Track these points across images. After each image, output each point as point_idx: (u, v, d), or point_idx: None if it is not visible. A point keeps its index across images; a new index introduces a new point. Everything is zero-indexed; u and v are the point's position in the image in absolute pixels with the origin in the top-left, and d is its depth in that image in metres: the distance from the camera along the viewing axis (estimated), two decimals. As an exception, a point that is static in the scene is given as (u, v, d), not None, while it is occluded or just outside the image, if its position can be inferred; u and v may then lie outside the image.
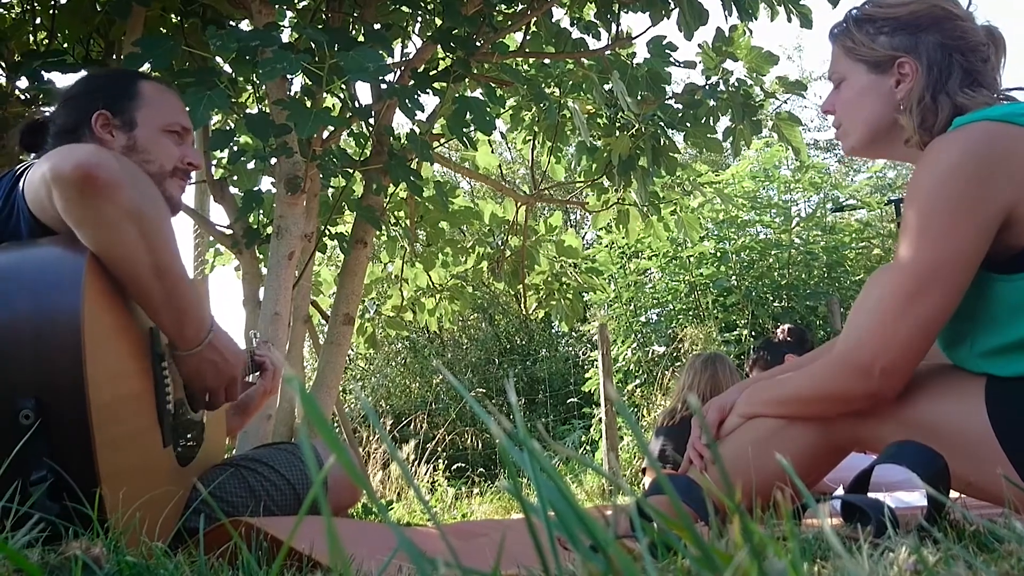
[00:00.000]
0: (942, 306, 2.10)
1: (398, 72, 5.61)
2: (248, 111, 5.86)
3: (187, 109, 2.95)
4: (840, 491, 3.16)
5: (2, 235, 2.17)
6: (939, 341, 2.31)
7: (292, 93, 5.18)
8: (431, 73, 5.37)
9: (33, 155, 2.52)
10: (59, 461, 1.87)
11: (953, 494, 2.23)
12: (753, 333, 12.33)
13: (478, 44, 5.29)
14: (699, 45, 6.17)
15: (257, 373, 3.24)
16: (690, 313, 13.24)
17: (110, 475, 1.92)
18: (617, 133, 6.31)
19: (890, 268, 2.21)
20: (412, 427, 12.41)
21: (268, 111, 4.80)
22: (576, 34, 6.21)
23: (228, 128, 6.08)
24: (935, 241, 2.08)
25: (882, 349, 2.14)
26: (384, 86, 4.85)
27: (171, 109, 2.82)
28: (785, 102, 6.74)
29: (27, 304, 1.94)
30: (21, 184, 2.19)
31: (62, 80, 4.91)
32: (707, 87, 6.21)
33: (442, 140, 6.58)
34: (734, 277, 13.13)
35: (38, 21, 5.26)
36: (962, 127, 2.15)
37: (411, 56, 5.81)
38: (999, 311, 2.12)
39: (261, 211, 5.79)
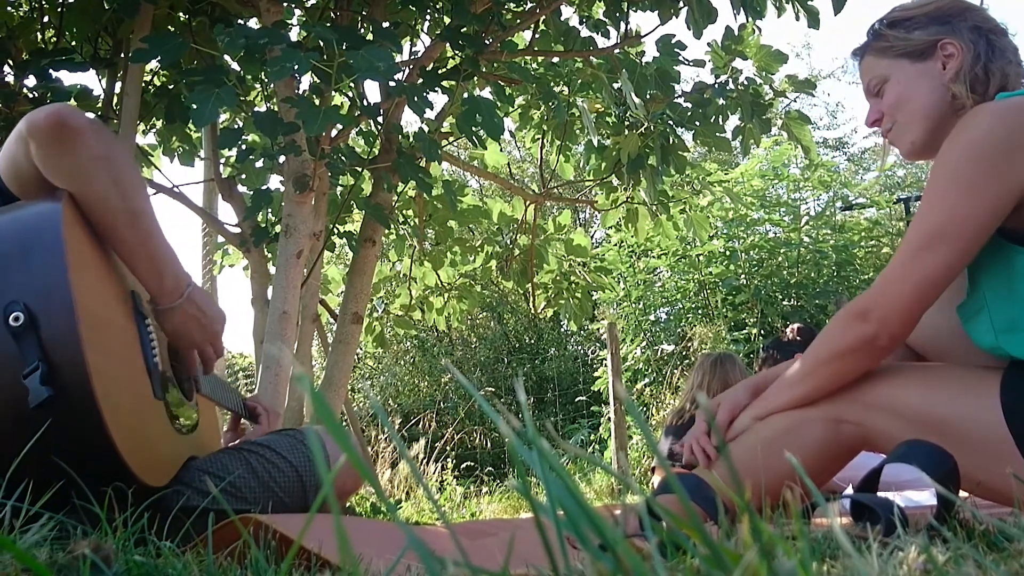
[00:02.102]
0: (946, 265, 2.11)
1: (407, 70, 5.61)
2: (256, 109, 5.87)
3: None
4: (849, 490, 3.17)
5: None
6: (959, 313, 2.32)
7: (300, 91, 5.18)
8: (440, 71, 5.37)
9: None
10: (50, 357, 1.93)
11: (963, 493, 2.22)
12: (762, 332, 12.31)
13: (487, 42, 5.29)
14: (708, 44, 6.17)
15: (252, 423, 3.27)
16: (699, 312, 13.23)
17: (99, 375, 1.97)
18: (626, 132, 6.31)
19: (908, 228, 2.23)
20: (421, 426, 12.42)
21: (276, 109, 4.80)
22: (585, 32, 6.21)
23: (236, 126, 6.09)
24: (949, 202, 2.11)
25: (882, 295, 2.18)
26: (393, 84, 4.85)
27: None
28: (794, 101, 6.74)
29: (11, 228, 2.05)
30: None
31: (70, 79, 4.93)
32: (716, 86, 6.21)
33: (451, 138, 6.58)
34: (743, 276, 13.11)
35: (46, 19, 5.27)
36: (1002, 100, 2.17)
37: (420, 54, 5.81)
38: (1019, 283, 2.12)
39: (269, 210, 5.80)
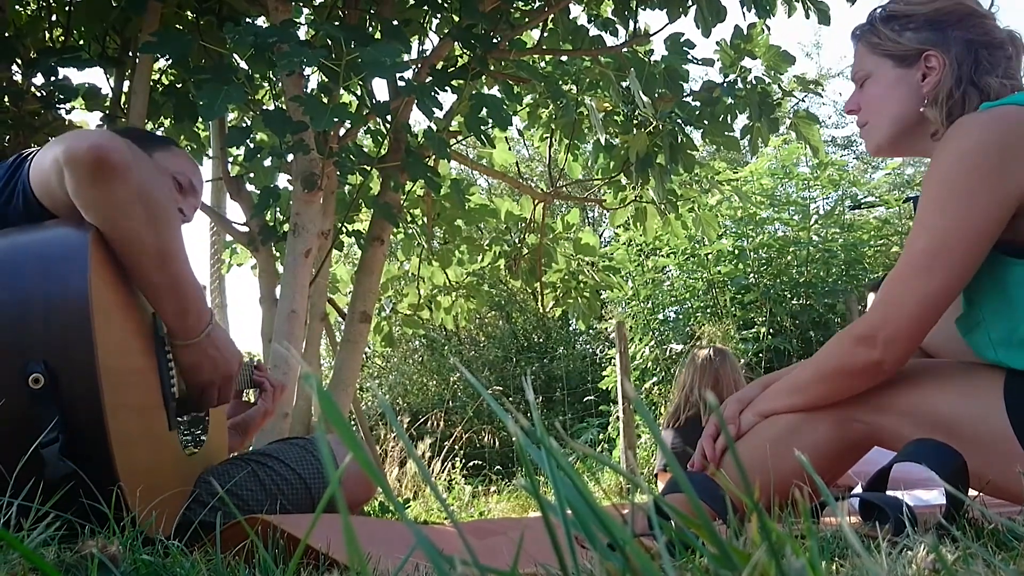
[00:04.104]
0: (949, 282, 2.10)
1: (416, 69, 5.61)
2: (265, 108, 5.87)
3: (202, 181, 2.99)
4: (859, 488, 3.16)
5: (4, 220, 2.18)
6: (958, 326, 2.32)
7: (309, 90, 5.18)
8: (449, 70, 5.37)
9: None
10: (70, 424, 1.89)
11: (972, 492, 2.22)
12: (771, 331, 12.30)
13: (495, 41, 5.28)
14: (717, 43, 6.16)
15: (254, 390, 3.25)
16: (708, 311, 13.20)
17: (120, 442, 1.94)
18: (635, 130, 6.30)
19: (906, 243, 2.22)
20: (429, 425, 12.41)
21: (285, 108, 4.80)
22: (593, 31, 6.20)
23: (244, 125, 6.10)
24: (947, 217, 2.09)
25: (886, 319, 2.16)
26: (402, 84, 4.85)
27: (189, 167, 2.89)
28: (803, 100, 6.74)
29: (35, 273, 1.97)
30: (25, 168, 2.20)
31: (78, 77, 4.93)
32: (725, 84, 6.20)
33: (459, 137, 6.58)
34: (752, 275, 13.09)
35: (54, 18, 5.28)
36: (987, 110, 2.15)
37: (428, 53, 5.81)
38: (1017, 295, 2.12)
39: (278, 208, 5.80)
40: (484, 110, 4.87)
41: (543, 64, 6.59)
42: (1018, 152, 2.05)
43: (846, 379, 2.29)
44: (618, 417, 10.84)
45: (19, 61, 4.80)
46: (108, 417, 1.90)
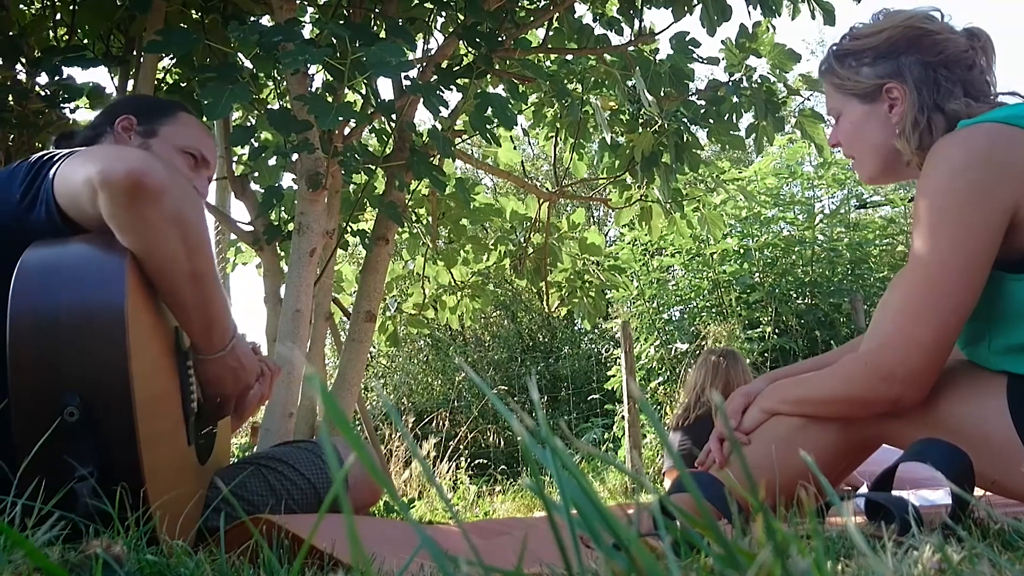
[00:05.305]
0: (958, 309, 2.09)
1: (420, 68, 5.60)
2: (269, 107, 5.86)
3: (215, 147, 2.95)
4: (864, 488, 3.16)
5: (24, 226, 2.14)
6: (958, 339, 2.31)
7: (313, 89, 5.18)
8: (454, 69, 5.36)
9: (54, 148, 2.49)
10: (104, 458, 1.87)
11: (978, 492, 2.22)
12: (776, 331, 12.29)
13: (500, 40, 5.28)
14: (722, 42, 6.16)
15: None
16: (713, 310, 13.20)
17: (151, 470, 1.92)
18: (640, 129, 6.30)
19: (906, 271, 2.20)
20: (434, 425, 12.41)
21: (289, 107, 4.80)
22: (599, 30, 6.20)
23: (249, 124, 6.09)
24: (947, 244, 2.08)
25: (903, 356, 2.14)
26: (407, 83, 4.84)
27: (197, 136, 2.84)
28: (808, 99, 6.73)
29: (71, 299, 1.94)
30: (47, 176, 2.17)
31: (82, 76, 4.93)
32: (730, 84, 6.19)
33: (464, 136, 6.57)
34: (757, 274, 13.09)
35: (58, 17, 5.27)
36: (967, 128, 2.15)
37: (433, 52, 5.80)
38: (1013, 309, 2.12)
39: (282, 208, 5.79)
40: (489, 109, 4.87)
41: (548, 63, 6.59)
42: (1001, 169, 2.05)
43: (862, 408, 2.29)
44: (623, 417, 10.84)
45: (23, 60, 4.80)
46: (142, 450, 1.89)
